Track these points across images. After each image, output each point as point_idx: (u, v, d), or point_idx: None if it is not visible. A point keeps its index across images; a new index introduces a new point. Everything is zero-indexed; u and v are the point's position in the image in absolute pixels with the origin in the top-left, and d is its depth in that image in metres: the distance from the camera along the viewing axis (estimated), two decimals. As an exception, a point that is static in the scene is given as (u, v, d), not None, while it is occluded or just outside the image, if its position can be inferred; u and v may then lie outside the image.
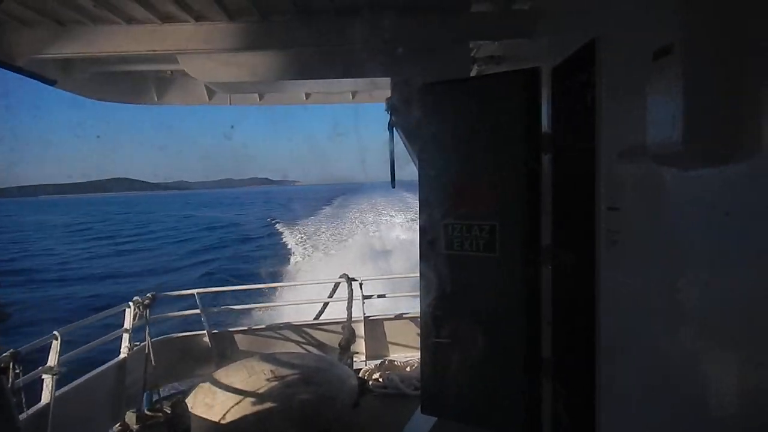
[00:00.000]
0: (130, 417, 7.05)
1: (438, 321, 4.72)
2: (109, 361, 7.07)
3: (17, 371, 4.97)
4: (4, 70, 4.74)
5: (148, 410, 7.30)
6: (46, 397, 5.57)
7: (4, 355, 4.91)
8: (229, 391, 6.17)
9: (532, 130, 4.21)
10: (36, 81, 5.31)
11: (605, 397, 3.22)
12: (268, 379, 6.35)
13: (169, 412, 6.98)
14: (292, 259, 36.55)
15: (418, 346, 8.73)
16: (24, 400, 5.21)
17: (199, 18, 4.63)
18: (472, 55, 5.90)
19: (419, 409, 5.04)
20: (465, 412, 4.55)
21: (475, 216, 4.41)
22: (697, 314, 2.22)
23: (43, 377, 5.63)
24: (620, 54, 2.95)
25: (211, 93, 7.04)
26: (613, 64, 3.09)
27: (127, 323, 7.33)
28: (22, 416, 5.04)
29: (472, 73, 5.97)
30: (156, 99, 6.95)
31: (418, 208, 4.92)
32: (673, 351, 2.41)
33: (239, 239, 57.54)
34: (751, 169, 1.86)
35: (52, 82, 5.54)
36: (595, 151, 3.24)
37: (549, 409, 4.14)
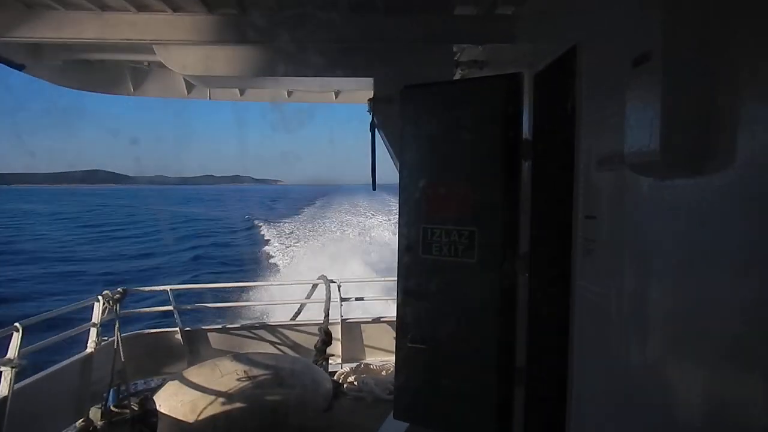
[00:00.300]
0: (95, 413, 6.88)
1: (413, 325, 4.65)
2: (75, 355, 6.90)
3: None
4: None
5: (115, 407, 7.15)
6: (3, 390, 5.40)
7: None
8: (198, 389, 6.06)
9: (512, 136, 4.17)
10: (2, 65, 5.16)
11: (577, 406, 3.19)
12: (239, 379, 6.25)
13: (136, 408, 6.84)
14: (271, 259, 36.33)
15: (394, 350, 8.74)
16: None
17: (176, 9, 4.53)
18: (455, 58, 5.87)
19: (392, 414, 4.98)
20: (437, 419, 4.50)
21: (454, 221, 4.36)
22: (671, 323, 2.19)
23: (1, 370, 5.46)
24: (601, 60, 2.92)
25: (189, 87, 6.92)
26: (593, 70, 3.06)
27: (95, 317, 7.16)
28: None
29: (455, 77, 5.93)
30: (132, 90, 6.81)
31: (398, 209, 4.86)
32: (645, 360, 2.38)
33: (220, 236, 57.19)
34: (727, 179, 1.82)
35: (20, 67, 5.39)
36: (574, 158, 3.21)
37: (521, 418, 4.10)
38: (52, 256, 42.69)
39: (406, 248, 4.77)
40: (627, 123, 2.23)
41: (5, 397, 5.35)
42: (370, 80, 5.80)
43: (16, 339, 5.56)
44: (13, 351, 5.53)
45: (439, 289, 4.54)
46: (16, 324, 5.61)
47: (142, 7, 4.51)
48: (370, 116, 5.65)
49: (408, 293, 4.75)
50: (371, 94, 5.81)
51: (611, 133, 2.59)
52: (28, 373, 5.96)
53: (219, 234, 58.13)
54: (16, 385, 5.52)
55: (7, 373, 5.45)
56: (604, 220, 2.86)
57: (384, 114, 5.38)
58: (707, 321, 1.94)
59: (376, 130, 5.59)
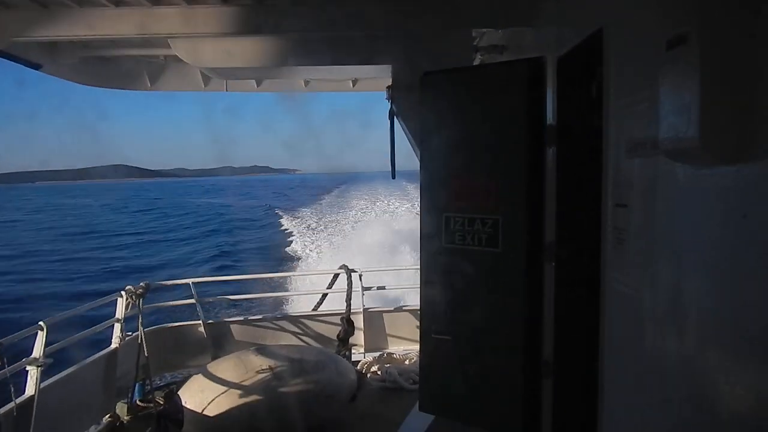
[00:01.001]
0: (121, 408, 6.95)
1: (437, 317, 4.59)
2: (100, 351, 6.96)
3: None
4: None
5: (140, 401, 7.21)
6: (30, 389, 5.45)
7: None
8: (222, 384, 6.07)
9: (536, 122, 4.06)
10: (20, 65, 5.16)
11: (608, 401, 3.10)
12: (264, 373, 6.25)
13: (161, 403, 6.89)
14: (292, 248, 36.47)
15: (418, 339, 8.70)
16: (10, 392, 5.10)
17: (191, 1, 4.47)
18: (474, 43, 5.75)
19: (417, 405, 4.94)
20: (463, 411, 4.44)
21: (477, 209, 4.26)
22: (706, 319, 2.09)
23: (27, 369, 5.51)
24: (630, 43, 2.79)
25: (206, 79, 6.89)
26: (622, 54, 2.93)
27: (119, 313, 7.21)
28: (4, 409, 4.95)
29: (475, 62, 5.81)
30: (149, 85, 6.79)
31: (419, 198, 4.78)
32: (679, 355, 2.29)
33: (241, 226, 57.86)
34: None
35: (37, 66, 5.39)
36: (603, 145, 3.10)
37: (549, 411, 4.02)
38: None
39: (428, 237, 4.70)
40: (661, 108, 2.12)
41: (32, 396, 5.41)
42: (388, 67, 5.71)
43: (40, 338, 5.61)
44: (38, 350, 5.58)
45: (462, 280, 4.46)
46: (40, 323, 5.65)
47: (156, 1, 4.46)
48: (389, 104, 5.56)
49: (431, 283, 4.69)
50: (389, 82, 5.72)
51: (643, 119, 2.48)
52: (54, 371, 6.01)
53: (242, 224, 59.23)
54: (43, 384, 5.57)
55: (33, 371, 5.50)
56: (636, 209, 2.75)
57: (403, 101, 5.30)
58: (746, 317, 1.85)
59: (395, 117, 5.51)
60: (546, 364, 4.02)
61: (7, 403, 5.01)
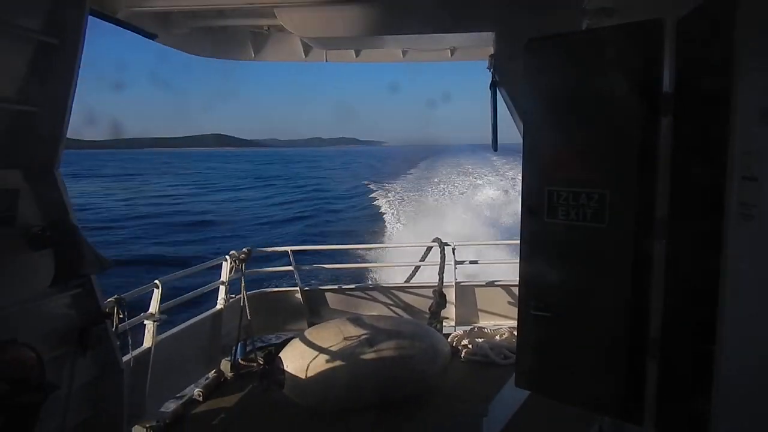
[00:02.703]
0: (225, 365, 7.36)
1: (538, 293, 4.46)
2: (206, 311, 7.37)
3: (121, 316, 5.23)
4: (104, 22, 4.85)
5: (242, 360, 7.58)
6: (147, 341, 5.86)
7: (108, 300, 5.17)
8: (321, 350, 6.26)
9: (650, 90, 3.78)
10: (136, 35, 5.42)
11: (725, 393, 2.90)
12: (359, 340, 6.39)
13: (261, 363, 7.22)
14: (383, 221, 36.84)
15: (509, 314, 8.57)
16: (127, 344, 5.51)
17: None
18: (582, 6, 5.44)
19: (512, 380, 4.86)
20: (561, 389, 4.32)
21: (582, 183, 4.07)
22: None
23: (145, 323, 5.92)
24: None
25: (307, 49, 6.98)
26: (756, 12, 2.66)
27: (224, 276, 7.58)
28: (125, 358, 5.33)
29: (582, 27, 5.51)
30: (253, 55, 6.97)
31: (521, 172, 4.63)
32: None
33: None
34: None
35: (152, 36, 5.65)
36: (731, 112, 2.84)
37: (653, 394, 3.83)
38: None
39: (529, 211, 4.54)
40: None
41: (149, 348, 5.82)
42: (488, 36, 5.54)
43: (156, 295, 6.00)
44: (154, 306, 5.98)
45: (565, 255, 4.30)
46: (156, 281, 6.04)
47: None
48: (490, 73, 5.40)
49: (531, 259, 4.55)
50: (489, 51, 5.55)
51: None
52: (166, 328, 6.44)
53: (334, 195, 60.89)
54: (158, 337, 5.98)
55: (150, 326, 5.92)
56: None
57: (506, 70, 5.13)
58: None
59: (496, 87, 5.35)
60: (653, 342, 3.82)
61: (127, 353, 5.42)
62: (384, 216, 38.64)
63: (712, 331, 3.04)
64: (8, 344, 3.75)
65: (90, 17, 4.34)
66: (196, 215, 45.38)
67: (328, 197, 59.78)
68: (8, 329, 3.90)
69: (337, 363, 6.14)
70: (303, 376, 6.13)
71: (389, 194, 50.92)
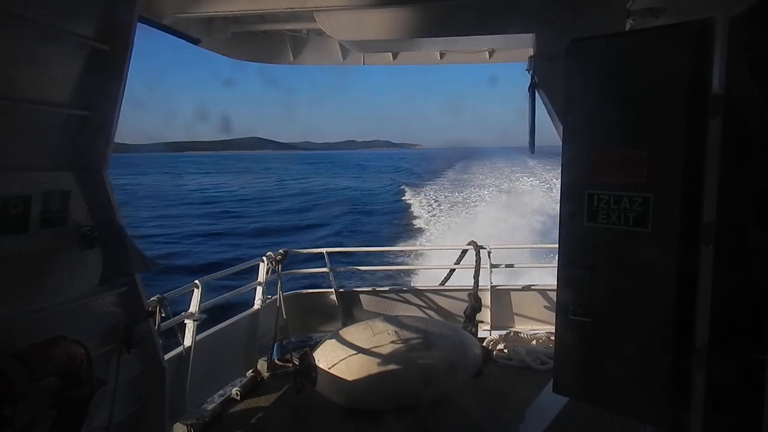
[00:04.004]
0: (262, 365, 7.44)
1: (576, 297, 4.40)
2: (243, 312, 7.47)
3: (163, 315, 5.34)
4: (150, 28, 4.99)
5: (278, 360, 7.66)
6: (188, 340, 5.97)
7: (151, 299, 5.28)
8: (353, 349, 6.29)
9: (698, 92, 3.70)
10: (180, 40, 5.56)
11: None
12: (391, 341, 6.40)
13: (297, 363, 7.29)
14: (418, 223, 36.78)
15: (545, 319, 8.47)
16: (169, 342, 5.63)
17: None
18: (626, 7, 5.36)
19: (550, 386, 4.80)
20: (601, 397, 4.25)
21: (625, 186, 4.00)
22: None
23: (185, 322, 6.03)
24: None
25: (345, 52, 7.03)
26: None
27: (261, 277, 7.67)
28: (167, 356, 5.45)
29: (626, 28, 5.42)
30: (292, 58, 7.07)
31: (560, 174, 4.57)
32: None
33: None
34: None
35: (196, 41, 5.78)
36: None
37: (700, 404, 3.74)
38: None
39: (568, 215, 4.48)
40: None
41: (189, 347, 5.93)
42: (528, 37, 5.50)
43: (196, 295, 6.11)
44: (194, 305, 6.09)
45: (606, 260, 4.23)
46: (196, 281, 6.15)
47: None
48: (530, 75, 5.36)
49: (570, 263, 4.48)
50: (528, 52, 5.51)
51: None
52: (205, 327, 6.56)
53: (370, 198, 61.56)
54: (198, 336, 6.09)
55: (191, 325, 6.03)
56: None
57: (546, 72, 5.08)
58: None
59: (535, 89, 5.30)
60: (699, 351, 3.73)
61: (168, 350, 5.54)
62: (418, 219, 38.58)
63: (761, 339, 2.96)
64: (59, 340, 3.88)
65: (138, 23, 4.47)
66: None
67: (363, 201, 59.98)
68: (58, 326, 4.03)
69: (369, 362, 6.17)
70: (335, 375, 6.18)
71: (423, 197, 50.80)
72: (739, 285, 3.29)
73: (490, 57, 7.53)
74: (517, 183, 50.78)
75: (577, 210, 4.38)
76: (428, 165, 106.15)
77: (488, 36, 6.10)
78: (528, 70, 5.39)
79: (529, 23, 5.17)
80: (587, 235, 4.31)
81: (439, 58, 7.62)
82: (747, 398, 3.05)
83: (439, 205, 43.18)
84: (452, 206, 40.96)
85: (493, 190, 47.33)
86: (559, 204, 4.64)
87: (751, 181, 3.19)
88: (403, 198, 55.30)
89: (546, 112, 5.51)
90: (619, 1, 4.94)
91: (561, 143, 4.60)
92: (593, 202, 4.23)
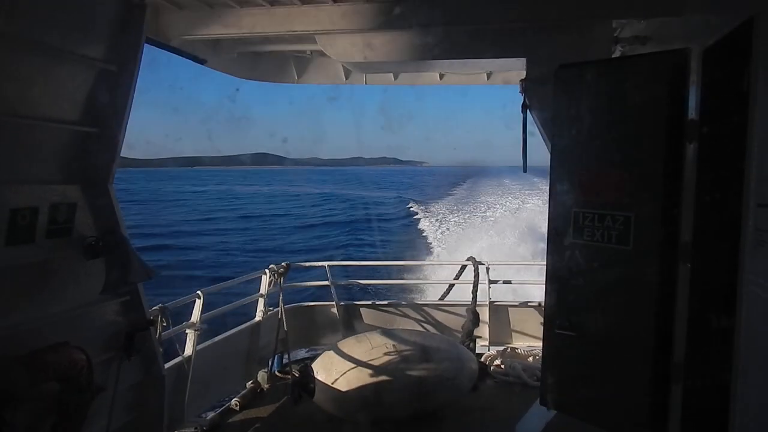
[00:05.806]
0: (262, 376, 7.52)
1: (562, 311, 4.54)
2: (244, 323, 7.58)
3: (164, 324, 5.47)
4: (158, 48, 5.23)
5: (278, 372, 7.75)
6: (188, 349, 6.09)
7: (153, 308, 5.42)
8: (351, 361, 6.38)
9: (676, 117, 3.88)
10: (188, 60, 5.79)
11: (741, 413, 2.94)
12: (388, 353, 6.48)
13: (297, 375, 7.39)
14: (421, 239, 36.82)
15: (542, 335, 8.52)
16: (169, 352, 5.76)
17: None
18: (615, 34, 5.54)
19: (538, 400, 4.92)
20: (586, 409, 4.38)
21: (608, 205, 4.17)
22: None
23: (186, 332, 6.16)
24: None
25: (347, 72, 7.23)
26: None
27: (263, 289, 7.79)
28: (167, 365, 5.57)
29: (614, 54, 5.60)
30: (296, 78, 7.28)
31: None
32: None
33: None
34: None
35: (202, 61, 6.00)
36: (747, 141, 2.92)
37: (677, 418, 3.85)
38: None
39: (555, 232, 4.65)
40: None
41: (190, 356, 6.06)
42: (523, 60, 5.68)
43: (198, 305, 6.24)
44: (195, 315, 6.22)
45: (590, 276, 4.38)
46: (198, 292, 6.28)
47: (306, 0, 4.82)
48: (522, 97, 5.53)
49: (556, 278, 4.64)
50: (523, 75, 5.69)
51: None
52: (205, 337, 6.67)
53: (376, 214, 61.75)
54: (198, 346, 6.21)
55: (191, 335, 6.16)
56: (781, 209, 2.59)
57: (537, 94, 5.25)
58: None
59: (528, 111, 5.47)
60: (676, 366, 3.86)
61: (168, 360, 5.66)
62: (422, 235, 38.64)
63: (731, 355, 3.08)
64: (61, 346, 4.03)
65: (146, 45, 4.70)
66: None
67: (369, 217, 60.09)
68: (62, 332, 4.18)
69: (367, 375, 6.25)
70: (333, 386, 6.27)
71: (429, 213, 50.87)
72: (713, 303, 3.41)
73: (488, 78, 7.72)
74: (522, 202, 50.77)
75: (563, 227, 4.54)
76: (435, 182, 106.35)
77: (485, 59, 6.28)
78: (520, 91, 5.57)
79: (520, 48, 5.35)
80: (572, 252, 4.47)
81: (438, 79, 7.81)
82: (720, 412, 3.16)
83: (443, 222, 43.24)
84: (456, 223, 41.06)
85: (496, 208, 47.34)
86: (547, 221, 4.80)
87: (722, 203, 3.33)
88: (408, 214, 55.41)
89: (538, 132, 5.68)
90: (606, 29, 5.13)
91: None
92: (579, 220, 4.40)
